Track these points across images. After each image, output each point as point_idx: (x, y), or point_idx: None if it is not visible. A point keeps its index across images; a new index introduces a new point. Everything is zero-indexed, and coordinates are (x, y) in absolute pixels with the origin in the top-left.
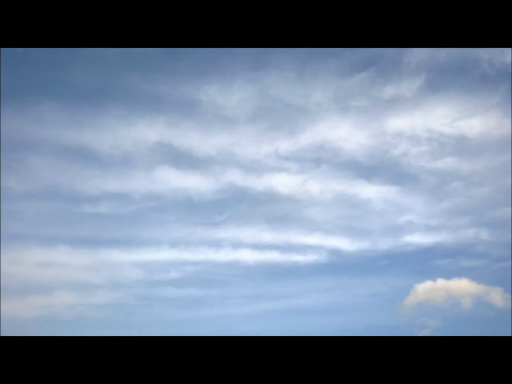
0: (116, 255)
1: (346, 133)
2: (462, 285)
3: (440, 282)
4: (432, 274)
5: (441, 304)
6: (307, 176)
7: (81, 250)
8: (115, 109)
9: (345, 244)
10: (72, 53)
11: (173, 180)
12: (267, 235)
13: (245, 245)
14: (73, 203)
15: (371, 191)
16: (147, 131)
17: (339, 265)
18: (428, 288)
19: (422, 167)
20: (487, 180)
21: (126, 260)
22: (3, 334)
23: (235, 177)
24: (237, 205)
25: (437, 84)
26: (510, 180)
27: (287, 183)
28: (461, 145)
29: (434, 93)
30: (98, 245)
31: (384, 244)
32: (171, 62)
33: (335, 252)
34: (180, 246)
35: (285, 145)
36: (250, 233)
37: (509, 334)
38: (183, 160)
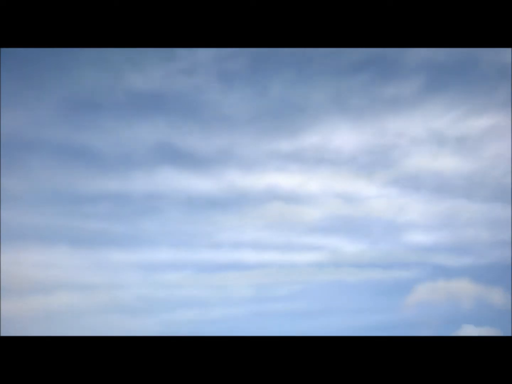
0: (116, 255)
1: (346, 133)
2: (462, 285)
3: (440, 282)
4: (432, 274)
5: (441, 304)
6: (307, 176)
7: (81, 250)
8: (115, 109)
9: (345, 244)
10: (72, 53)
11: (173, 180)
12: (267, 235)
13: (245, 245)
14: (73, 203)
15: (371, 191)
16: (147, 131)
17: (339, 265)
18: (428, 288)
19: (422, 167)
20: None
21: (126, 260)
22: (3, 334)
23: (235, 177)
24: (237, 205)
25: (437, 84)
26: (510, 180)
27: (287, 183)
28: (461, 145)
29: (434, 93)
30: (98, 245)
31: (384, 244)
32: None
33: (335, 252)
34: (180, 246)
35: (285, 145)
36: (250, 233)
37: (509, 334)
38: (183, 160)
